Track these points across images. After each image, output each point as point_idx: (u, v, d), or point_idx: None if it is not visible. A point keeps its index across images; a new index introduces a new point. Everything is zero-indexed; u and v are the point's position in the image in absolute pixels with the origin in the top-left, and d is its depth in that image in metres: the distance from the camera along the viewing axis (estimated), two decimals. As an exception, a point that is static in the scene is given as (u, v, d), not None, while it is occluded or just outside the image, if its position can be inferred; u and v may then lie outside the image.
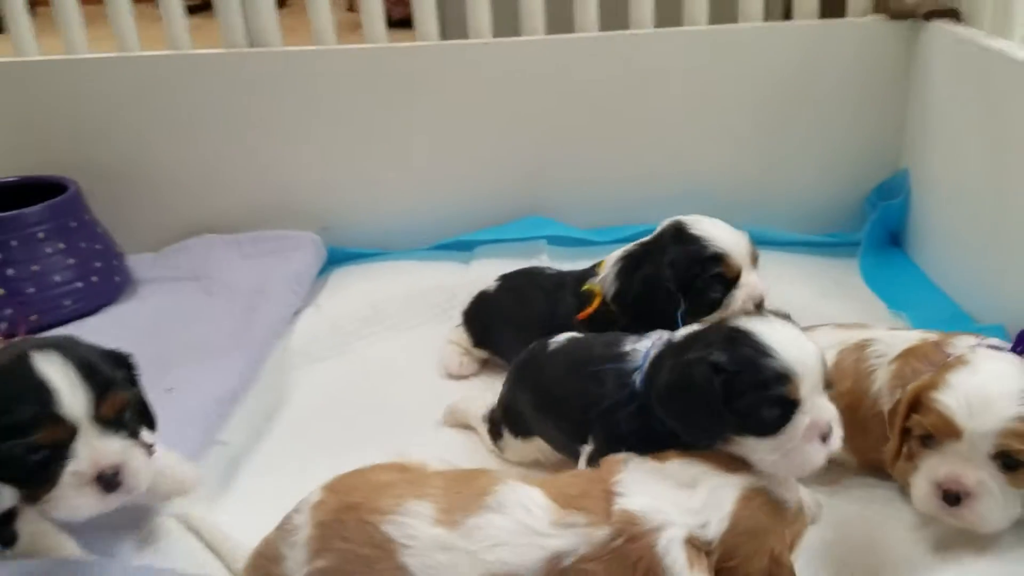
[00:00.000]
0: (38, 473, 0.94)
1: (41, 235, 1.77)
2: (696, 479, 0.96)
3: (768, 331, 1.01)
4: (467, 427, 1.48)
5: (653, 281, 1.41)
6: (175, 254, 2.08)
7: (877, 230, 2.00)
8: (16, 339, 1.06)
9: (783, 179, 2.10)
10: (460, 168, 2.11)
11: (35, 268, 1.76)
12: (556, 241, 2.03)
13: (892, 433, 1.10)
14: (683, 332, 1.12)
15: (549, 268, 1.71)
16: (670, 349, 1.10)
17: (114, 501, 0.98)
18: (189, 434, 1.35)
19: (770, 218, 2.05)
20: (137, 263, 2.02)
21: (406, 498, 0.97)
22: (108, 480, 0.97)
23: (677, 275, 1.39)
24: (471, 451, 1.43)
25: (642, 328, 1.23)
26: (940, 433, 1.03)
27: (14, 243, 1.74)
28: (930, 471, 1.05)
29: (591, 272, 1.51)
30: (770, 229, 2.00)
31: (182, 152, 2.09)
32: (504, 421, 1.37)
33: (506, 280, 1.66)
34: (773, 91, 2.04)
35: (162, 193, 2.12)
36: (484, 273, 1.88)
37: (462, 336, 1.69)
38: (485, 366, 1.69)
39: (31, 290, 1.75)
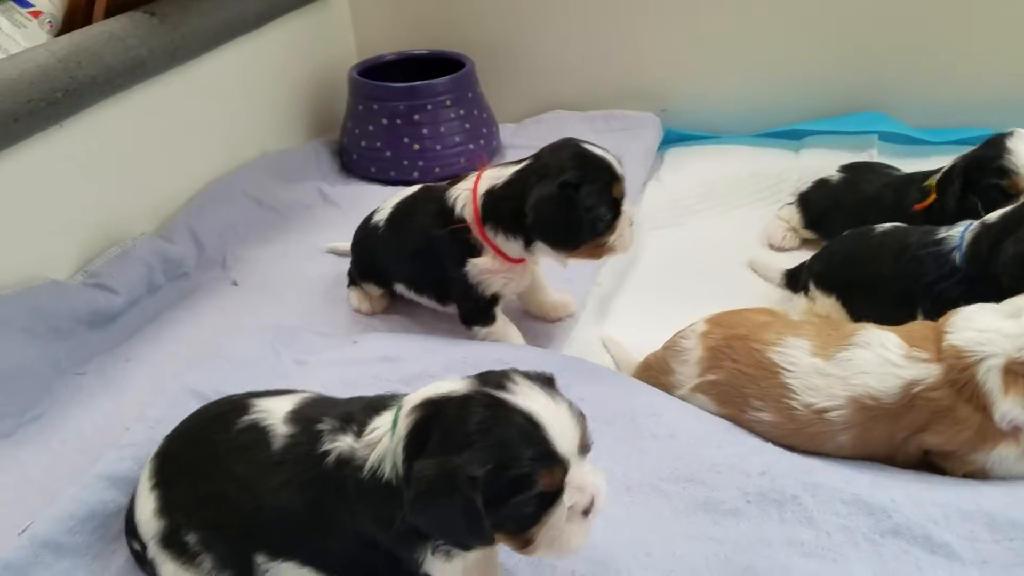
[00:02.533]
0: (606, 221, 1.37)
1: (448, 102, 2.17)
2: (1021, 310, 1.14)
3: None
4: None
5: (948, 176, 1.58)
6: (533, 126, 2.44)
7: None
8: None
9: None
10: (796, 59, 2.26)
11: (442, 130, 2.17)
12: (887, 138, 2.14)
13: None
14: (995, 214, 1.34)
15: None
16: (987, 229, 1.33)
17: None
18: (579, 271, 1.70)
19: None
20: (501, 132, 2.40)
21: (786, 335, 1.24)
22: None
23: (966, 173, 1.55)
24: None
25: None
26: None
27: (429, 107, 2.15)
28: None
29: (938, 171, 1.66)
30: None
31: (543, 36, 2.42)
32: (812, 277, 1.59)
33: (850, 171, 1.83)
34: None
35: (523, 72, 2.47)
36: (813, 162, 2.08)
37: (793, 215, 1.91)
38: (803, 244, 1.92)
39: (437, 147, 2.17)
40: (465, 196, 1.44)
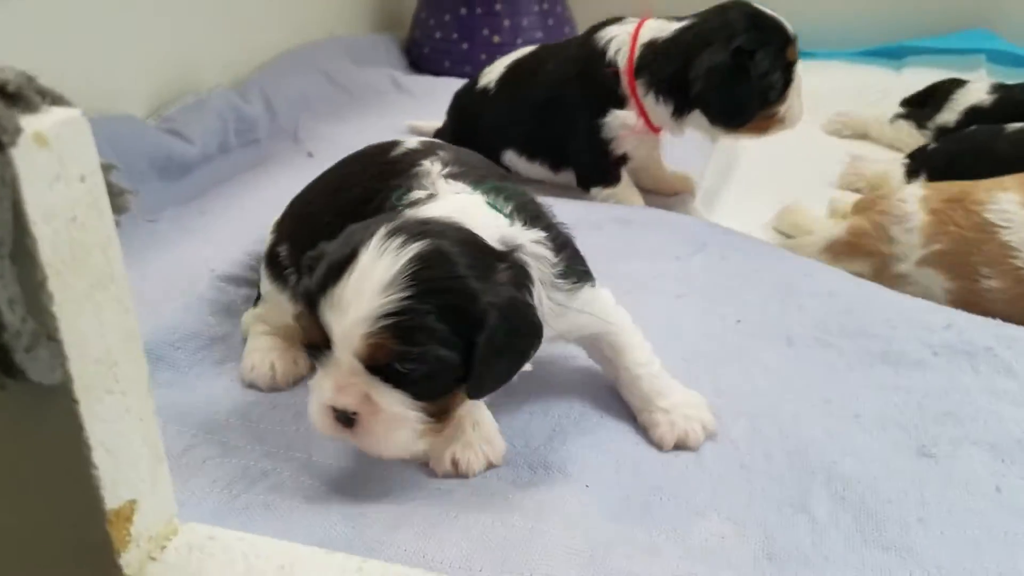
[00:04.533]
0: (778, 89, 1.26)
1: (534, -6, 2.04)
2: None
3: None
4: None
5: None
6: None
7: None
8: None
9: None
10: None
11: (524, 23, 2.05)
12: (995, 58, 2.03)
13: None
14: None
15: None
16: None
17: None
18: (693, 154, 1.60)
19: None
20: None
21: (994, 191, 1.16)
22: None
23: None
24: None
25: None
26: None
27: (510, -2, 2.03)
28: None
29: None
30: None
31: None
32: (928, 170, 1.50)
33: (1005, 89, 1.71)
34: None
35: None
36: (917, 79, 1.96)
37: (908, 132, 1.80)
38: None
39: (518, 41, 2.04)
40: (622, 40, 1.31)
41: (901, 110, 1.84)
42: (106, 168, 0.39)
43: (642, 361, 0.88)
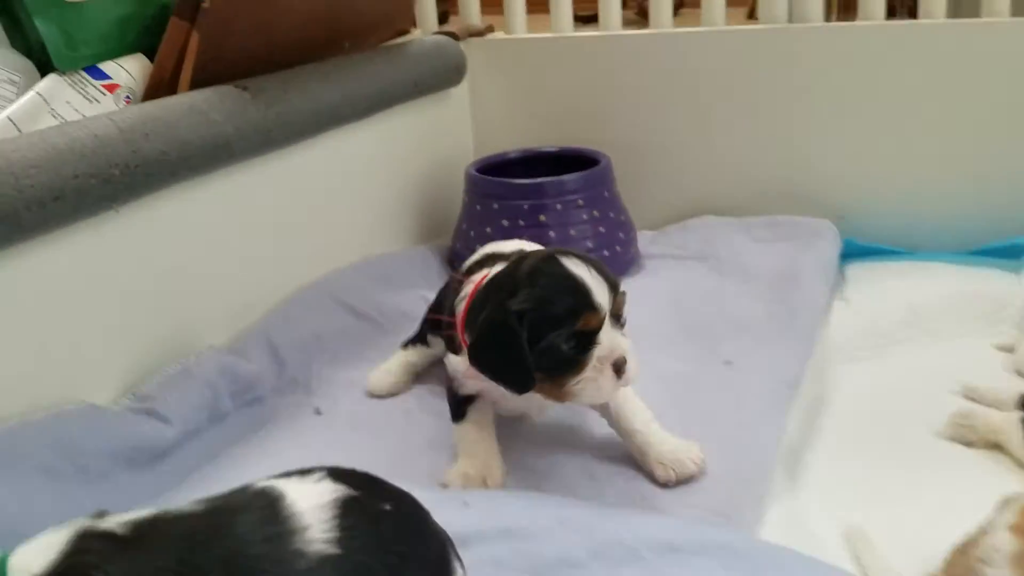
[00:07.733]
0: (571, 360, 1.03)
1: (580, 202, 1.83)
2: None
3: None
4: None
5: None
6: (677, 233, 2.07)
7: None
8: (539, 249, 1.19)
9: None
10: (1012, 158, 1.85)
11: (572, 233, 1.83)
12: None
13: None
14: None
15: None
16: None
17: (618, 388, 1.07)
18: (754, 407, 1.33)
19: None
20: (639, 240, 2.04)
21: None
22: (619, 368, 1.04)
23: None
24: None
25: None
26: None
27: (558, 207, 1.82)
28: None
29: None
30: None
31: (692, 132, 2.09)
32: None
33: None
34: None
35: (667, 172, 2.14)
36: (1040, 283, 1.65)
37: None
38: None
39: (566, 253, 1.82)
40: (469, 289, 1.18)
41: None
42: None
43: None
